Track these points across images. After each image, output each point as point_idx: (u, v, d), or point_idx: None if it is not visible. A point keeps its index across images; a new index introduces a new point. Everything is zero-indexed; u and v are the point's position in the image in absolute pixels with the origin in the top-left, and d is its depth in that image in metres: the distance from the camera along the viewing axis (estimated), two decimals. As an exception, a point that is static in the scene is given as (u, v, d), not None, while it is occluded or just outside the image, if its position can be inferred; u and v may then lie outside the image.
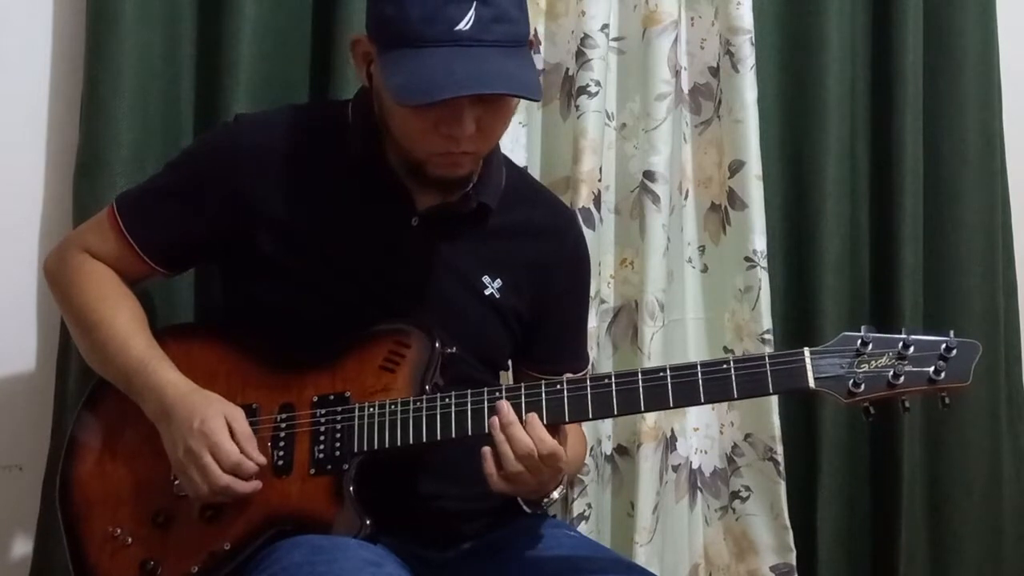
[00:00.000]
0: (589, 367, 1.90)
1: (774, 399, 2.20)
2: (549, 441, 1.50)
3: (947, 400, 1.46)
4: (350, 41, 1.64)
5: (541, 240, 1.77)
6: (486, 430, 1.52)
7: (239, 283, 1.72)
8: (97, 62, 1.91)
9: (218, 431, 1.53)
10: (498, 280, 1.71)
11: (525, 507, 1.58)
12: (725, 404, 2.27)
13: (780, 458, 2.22)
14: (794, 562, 2.23)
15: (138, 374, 1.60)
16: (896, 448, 2.34)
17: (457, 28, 1.45)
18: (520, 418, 1.51)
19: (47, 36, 2.00)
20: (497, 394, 1.54)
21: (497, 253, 1.72)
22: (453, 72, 1.45)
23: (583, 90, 2.11)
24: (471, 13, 1.45)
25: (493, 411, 1.52)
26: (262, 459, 1.56)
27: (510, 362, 1.83)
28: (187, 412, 1.55)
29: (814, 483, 2.30)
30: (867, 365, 1.46)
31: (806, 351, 1.48)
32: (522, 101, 1.55)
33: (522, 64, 1.52)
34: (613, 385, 1.51)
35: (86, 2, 1.92)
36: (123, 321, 1.66)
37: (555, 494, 1.58)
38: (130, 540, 1.60)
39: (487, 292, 1.70)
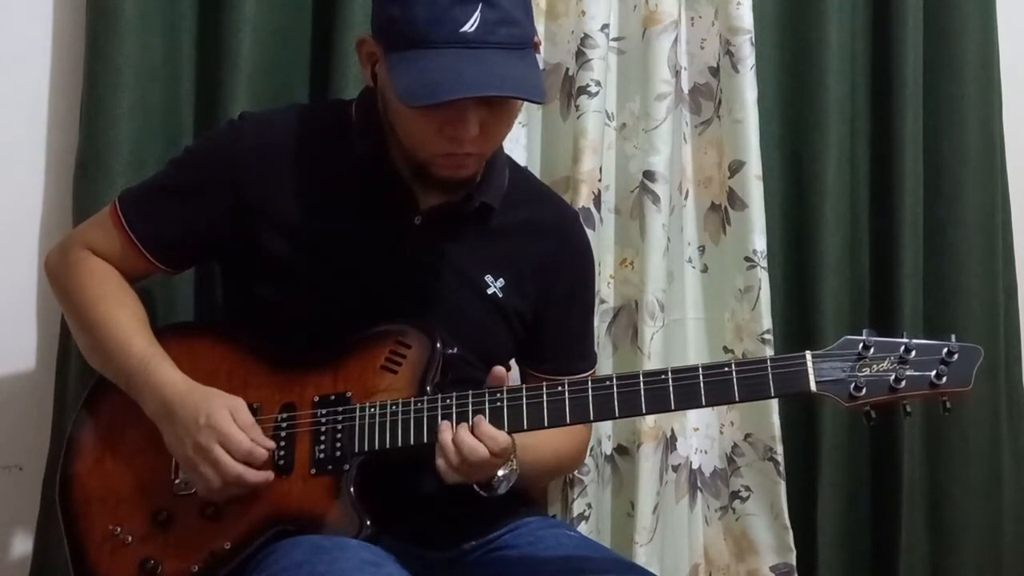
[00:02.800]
0: (595, 367, 1.90)
1: (774, 399, 2.19)
2: (501, 437, 1.51)
3: (948, 405, 1.46)
4: (356, 41, 1.64)
5: (544, 240, 1.77)
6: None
7: (241, 282, 1.72)
8: (97, 62, 1.91)
9: (225, 423, 1.54)
10: (500, 280, 1.72)
11: (480, 491, 1.57)
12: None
13: (780, 458, 2.21)
14: (794, 562, 2.23)
15: (138, 373, 1.61)
16: (896, 448, 2.34)
17: (463, 30, 1.46)
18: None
19: (47, 36, 2.00)
20: (498, 395, 1.54)
21: (500, 253, 1.72)
22: (459, 74, 1.46)
23: (583, 90, 2.11)
24: (476, 15, 1.46)
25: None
26: (271, 444, 1.57)
27: (514, 363, 1.83)
28: (190, 409, 1.55)
29: (814, 483, 2.30)
30: (868, 369, 1.46)
31: (808, 354, 1.48)
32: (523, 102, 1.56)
33: (527, 67, 1.53)
34: (615, 387, 1.51)
35: (86, 2, 1.92)
36: (124, 319, 1.66)
37: (500, 472, 1.57)
38: (130, 539, 1.60)
39: (489, 291, 1.71)
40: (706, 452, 2.29)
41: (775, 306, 2.25)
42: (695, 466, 2.27)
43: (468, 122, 1.51)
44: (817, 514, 2.30)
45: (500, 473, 1.56)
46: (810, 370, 1.47)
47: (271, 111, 1.80)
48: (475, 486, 1.57)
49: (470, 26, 1.46)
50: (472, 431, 1.52)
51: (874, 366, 1.45)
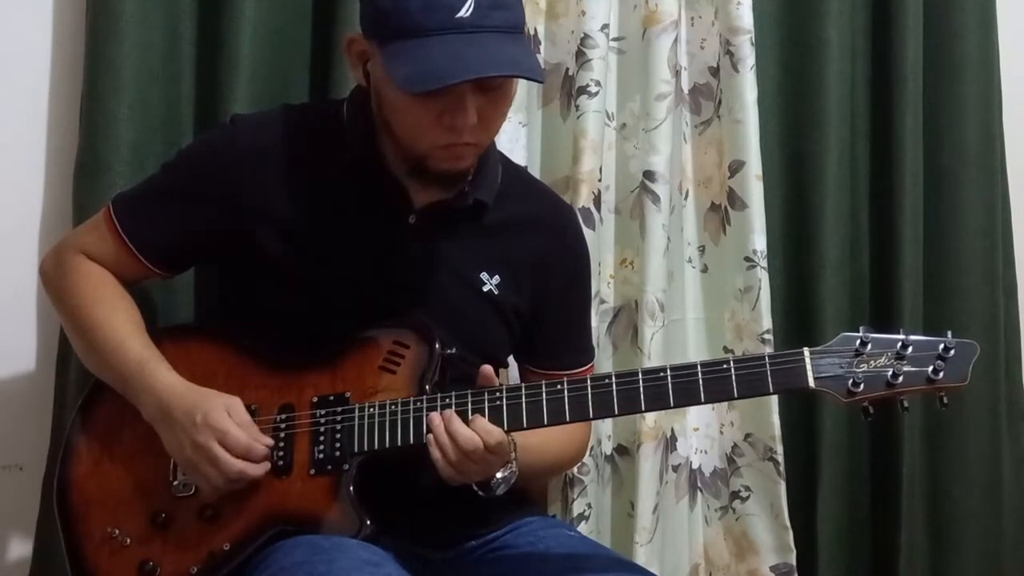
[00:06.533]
0: (594, 363, 1.90)
1: (774, 399, 2.19)
2: (496, 432, 1.51)
3: (945, 400, 1.47)
4: (345, 41, 1.64)
5: (539, 235, 1.77)
6: None
7: (237, 284, 1.73)
8: (97, 62, 1.91)
9: (223, 420, 1.54)
10: (496, 276, 1.72)
11: (479, 492, 1.57)
12: (725, 404, 2.27)
13: (780, 458, 2.21)
14: (794, 562, 2.23)
15: (135, 377, 1.61)
16: (896, 448, 2.34)
17: (458, 15, 1.47)
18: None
19: (47, 36, 2.00)
20: (497, 394, 1.54)
21: (495, 249, 1.72)
22: (459, 58, 1.46)
23: (583, 90, 2.11)
24: (470, 0, 1.46)
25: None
26: (269, 440, 1.57)
27: (512, 360, 1.83)
28: (187, 410, 1.55)
29: (814, 483, 2.30)
30: (866, 365, 1.46)
31: (806, 351, 1.48)
32: (519, 101, 1.56)
33: (523, 48, 1.55)
34: (614, 385, 1.51)
35: (86, 2, 1.92)
36: (120, 323, 1.66)
37: (499, 474, 1.57)
38: (128, 540, 1.60)
39: (485, 289, 1.71)
40: (706, 452, 2.29)
41: (775, 306, 2.25)
42: (695, 466, 2.27)
43: (467, 109, 1.51)
44: (817, 514, 2.30)
45: (499, 475, 1.56)
46: (808, 366, 1.47)
47: (263, 113, 1.79)
48: (474, 486, 1.57)
49: (465, 11, 1.47)
50: (468, 424, 1.52)
51: (871, 362, 1.46)
